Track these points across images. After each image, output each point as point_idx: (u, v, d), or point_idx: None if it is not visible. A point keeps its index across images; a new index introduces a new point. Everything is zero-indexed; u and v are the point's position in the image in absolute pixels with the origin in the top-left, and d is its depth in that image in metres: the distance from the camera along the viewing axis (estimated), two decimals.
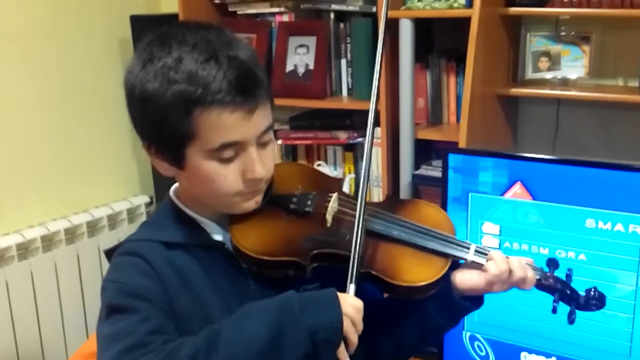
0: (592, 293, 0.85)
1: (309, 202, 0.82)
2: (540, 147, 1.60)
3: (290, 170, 0.89)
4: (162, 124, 0.73)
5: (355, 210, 0.79)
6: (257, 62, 0.76)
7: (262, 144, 0.76)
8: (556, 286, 0.84)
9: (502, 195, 1.25)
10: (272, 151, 0.79)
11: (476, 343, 1.33)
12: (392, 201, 0.91)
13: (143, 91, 0.73)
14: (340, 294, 0.73)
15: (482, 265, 0.81)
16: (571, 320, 0.84)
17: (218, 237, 0.81)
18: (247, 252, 0.77)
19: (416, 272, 0.79)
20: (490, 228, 1.27)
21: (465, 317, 1.30)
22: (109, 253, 0.81)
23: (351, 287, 0.74)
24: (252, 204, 0.79)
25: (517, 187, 1.24)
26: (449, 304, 0.82)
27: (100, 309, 0.76)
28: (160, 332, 0.71)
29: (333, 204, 0.82)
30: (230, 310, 0.77)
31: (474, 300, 0.83)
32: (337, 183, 0.90)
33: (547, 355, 1.26)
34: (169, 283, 0.76)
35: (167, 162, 0.77)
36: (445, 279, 0.80)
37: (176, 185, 0.84)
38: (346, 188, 1.71)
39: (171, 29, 0.75)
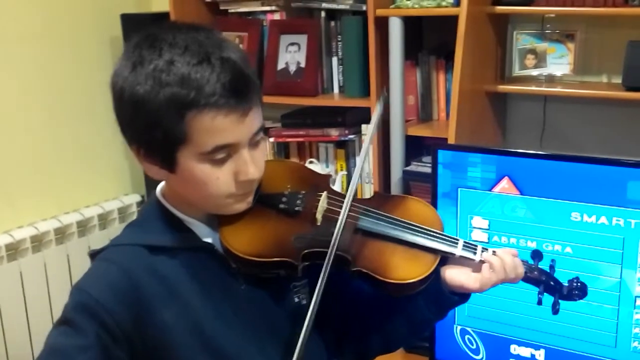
0: (575, 284, 0.87)
1: (299, 202, 0.82)
2: (528, 142, 1.63)
3: (278, 168, 0.88)
4: (154, 128, 0.71)
5: (345, 209, 0.79)
6: (248, 63, 0.75)
7: (253, 144, 0.76)
8: (541, 278, 0.85)
9: (490, 190, 1.27)
10: (264, 151, 0.79)
11: (467, 336, 1.35)
12: (380, 198, 0.91)
13: (133, 94, 0.71)
14: None
15: (471, 260, 0.82)
16: (555, 310, 0.86)
17: (207, 239, 0.80)
18: (238, 253, 0.76)
19: (406, 269, 0.79)
20: (479, 222, 1.29)
21: (456, 311, 1.34)
22: (94, 256, 0.79)
23: None
24: (243, 205, 0.78)
25: (505, 182, 1.26)
26: (438, 299, 0.83)
27: (62, 310, 0.75)
28: None
29: (323, 203, 0.82)
30: (219, 313, 0.78)
31: (462, 294, 0.84)
32: (325, 180, 0.89)
33: (536, 347, 1.29)
34: (150, 295, 0.75)
35: (157, 165, 0.75)
36: (435, 274, 0.81)
37: (162, 184, 0.82)
38: (338, 185, 1.73)
39: (160, 30, 0.74)
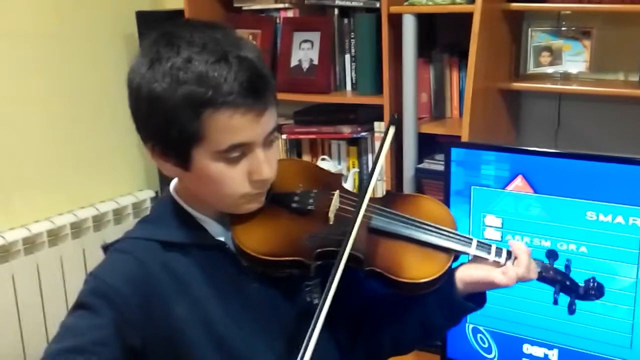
0: (592, 284, 0.86)
1: (311, 200, 0.81)
2: (542, 140, 1.61)
3: (290, 168, 0.87)
4: (170, 125, 0.71)
5: (357, 208, 0.79)
6: (264, 62, 0.75)
7: (267, 144, 0.76)
8: (556, 278, 0.85)
9: (504, 188, 1.26)
10: (277, 150, 0.79)
11: (479, 335, 1.34)
12: (392, 197, 0.90)
13: (150, 91, 0.71)
14: None
15: (485, 259, 0.81)
16: (571, 310, 0.85)
17: (219, 237, 0.80)
18: (250, 252, 0.76)
19: (420, 268, 0.78)
20: (492, 221, 1.29)
21: None
22: (107, 249, 0.80)
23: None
24: (256, 204, 0.79)
25: (519, 181, 1.25)
26: (452, 305, 0.82)
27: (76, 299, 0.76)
28: (104, 345, 0.71)
29: (335, 202, 0.81)
30: (230, 311, 0.78)
31: (477, 300, 0.84)
32: (337, 179, 0.88)
33: (549, 347, 1.28)
34: (164, 289, 0.75)
35: (171, 163, 0.76)
36: (448, 274, 0.80)
37: (176, 180, 0.82)
38: (350, 182, 1.73)
39: (177, 28, 0.74)
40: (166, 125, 0.72)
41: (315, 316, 0.71)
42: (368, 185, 0.82)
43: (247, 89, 0.71)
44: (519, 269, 0.79)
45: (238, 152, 0.73)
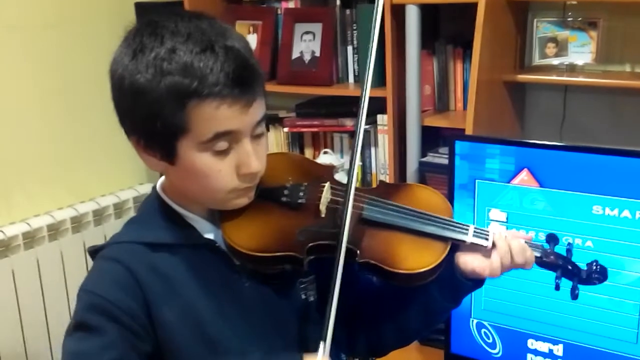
0: (594, 267, 0.84)
1: (301, 194, 0.80)
2: (547, 133, 1.59)
3: (279, 161, 0.85)
4: (154, 118, 0.70)
5: (348, 199, 0.77)
6: (252, 52, 0.73)
7: (255, 136, 0.74)
8: (557, 262, 0.83)
9: (509, 182, 1.25)
10: (266, 144, 0.77)
11: (483, 330, 1.33)
12: (385, 186, 0.88)
13: (133, 83, 0.69)
14: (307, 356, 0.71)
15: (483, 246, 0.80)
16: (574, 295, 0.83)
17: (209, 235, 0.79)
18: (242, 249, 0.75)
19: (415, 258, 0.77)
20: (497, 215, 1.27)
21: (472, 304, 1.32)
22: (94, 253, 0.79)
23: (321, 347, 0.70)
24: (245, 199, 0.77)
25: (524, 174, 1.23)
26: (452, 285, 0.81)
27: (72, 317, 0.74)
28: None
29: (326, 194, 0.80)
30: (223, 312, 0.76)
31: (476, 279, 0.83)
32: (328, 171, 0.86)
33: (554, 342, 1.27)
34: (153, 293, 0.74)
35: (156, 157, 0.74)
36: (446, 262, 0.79)
37: (162, 179, 0.81)
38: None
39: (161, 18, 0.72)
40: (150, 117, 0.70)
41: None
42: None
43: (233, 79, 0.69)
44: (501, 261, 0.79)
45: (224, 142, 0.71)
